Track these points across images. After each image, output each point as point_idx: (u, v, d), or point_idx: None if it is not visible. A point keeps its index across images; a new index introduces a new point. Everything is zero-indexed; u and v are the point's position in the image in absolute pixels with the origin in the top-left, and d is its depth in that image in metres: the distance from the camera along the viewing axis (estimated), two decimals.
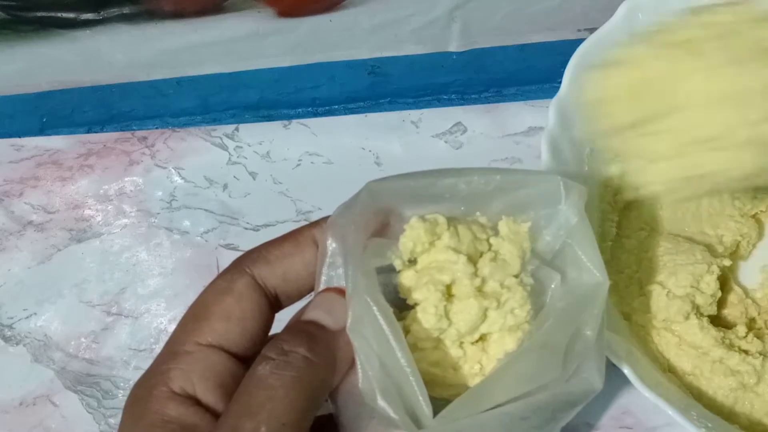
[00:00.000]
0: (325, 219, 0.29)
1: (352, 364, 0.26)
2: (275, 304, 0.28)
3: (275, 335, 0.27)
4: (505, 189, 0.29)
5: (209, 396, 0.26)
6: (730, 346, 0.40)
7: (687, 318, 0.39)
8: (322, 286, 0.28)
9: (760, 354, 0.40)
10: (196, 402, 0.26)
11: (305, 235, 0.28)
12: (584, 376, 0.27)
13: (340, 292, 0.27)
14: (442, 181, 0.29)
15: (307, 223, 0.29)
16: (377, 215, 0.29)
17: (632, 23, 0.40)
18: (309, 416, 0.24)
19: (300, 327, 0.27)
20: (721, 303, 0.42)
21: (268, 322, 0.28)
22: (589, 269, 0.29)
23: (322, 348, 0.25)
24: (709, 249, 0.42)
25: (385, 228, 0.29)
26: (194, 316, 0.27)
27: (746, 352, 0.40)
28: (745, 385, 0.39)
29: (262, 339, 0.28)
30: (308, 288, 0.28)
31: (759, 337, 0.41)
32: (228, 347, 0.26)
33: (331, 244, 0.28)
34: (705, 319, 0.40)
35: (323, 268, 0.28)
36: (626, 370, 0.34)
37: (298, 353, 0.25)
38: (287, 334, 0.26)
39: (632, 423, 0.44)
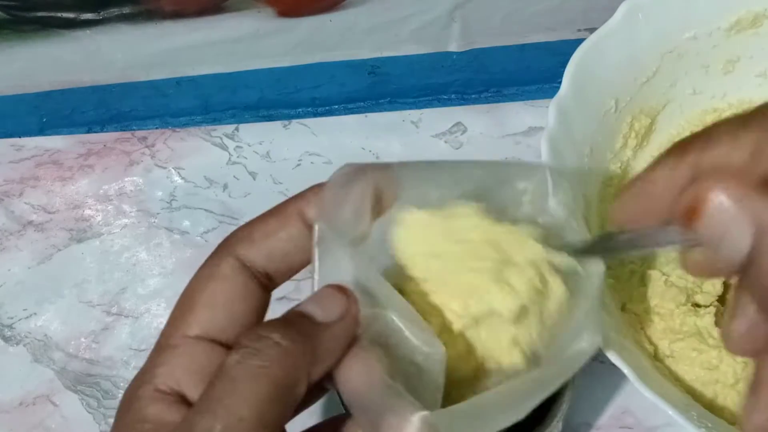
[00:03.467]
0: (312, 191, 0.27)
1: (343, 355, 0.25)
2: (268, 283, 0.27)
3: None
4: (492, 183, 0.29)
5: (195, 391, 0.24)
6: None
7: (678, 307, 0.39)
8: (316, 277, 0.26)
9: None
10: (181, 398, 0.25)
11: (290, 210, 0.27)
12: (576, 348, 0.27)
13: (341, 289, 0.26)
14: (440, 173, 0.28)
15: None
16: (369, 196, 0.27)
17: (632, 23, 0.40)
18: (277, 408, 0.23)
19: (283, 316, 0.25)
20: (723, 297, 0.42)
21: (261, 303, 0.27)
22: (583, 261, 0.28)
23: (298, 335, 0.24)
24: None
25: (377, 205, 0.28)
26: (180, 307, 0.26)
27: None
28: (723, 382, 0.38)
29: (256, 322, 0.27)
30: (299, 263, 0.27)
31: None
32: (216, 336, 0.25)
33: (323, 230, 0.26)
34: (706, 318, 0.40)
35: (316, 256, 0.26)
36: (626, 370, 0.34)
37: (271, 338, 0.23)
38: (268, 321, 0.25)
39: (632, 423, 0.44)
